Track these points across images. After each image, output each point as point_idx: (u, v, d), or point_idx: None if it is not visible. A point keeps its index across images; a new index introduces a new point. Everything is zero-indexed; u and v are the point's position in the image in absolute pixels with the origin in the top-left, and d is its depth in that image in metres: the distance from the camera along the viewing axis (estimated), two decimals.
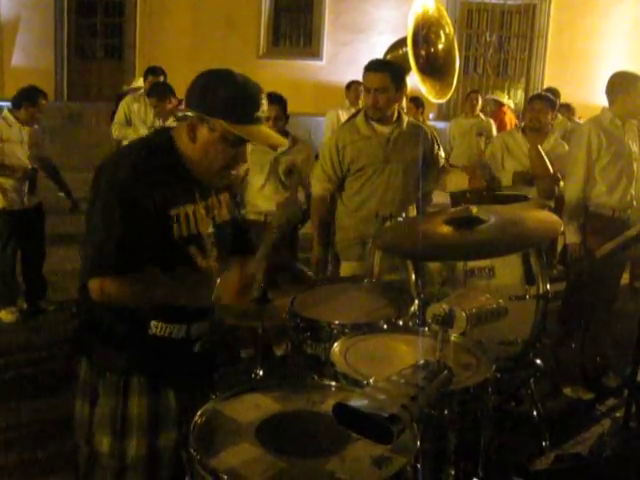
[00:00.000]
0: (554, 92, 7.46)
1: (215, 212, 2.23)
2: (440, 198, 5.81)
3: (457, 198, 4.90)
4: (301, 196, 4.96)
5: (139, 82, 7.43)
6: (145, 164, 2.05)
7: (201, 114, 2.02)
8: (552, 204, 4.69)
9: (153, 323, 2.13)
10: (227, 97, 2.00)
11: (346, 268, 3.99)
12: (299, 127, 9.97)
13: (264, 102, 2.07)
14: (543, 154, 4.18)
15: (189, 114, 2.04)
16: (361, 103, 7.56)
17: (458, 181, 3.95)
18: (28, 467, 3.42)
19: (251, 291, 2.06)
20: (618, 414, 3.78)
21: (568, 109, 7.47)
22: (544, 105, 4.65)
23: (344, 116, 7.55)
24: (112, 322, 2.13)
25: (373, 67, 3.79)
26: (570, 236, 4.29)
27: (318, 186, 3.98)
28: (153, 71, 6.89)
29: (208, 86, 2.03)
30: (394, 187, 3.80)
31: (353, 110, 7.48)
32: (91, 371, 2.17)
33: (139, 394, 2.13)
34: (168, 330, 2.15)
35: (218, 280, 2.00)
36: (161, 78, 6.73)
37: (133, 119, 6.60)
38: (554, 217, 3.01)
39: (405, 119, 3.89)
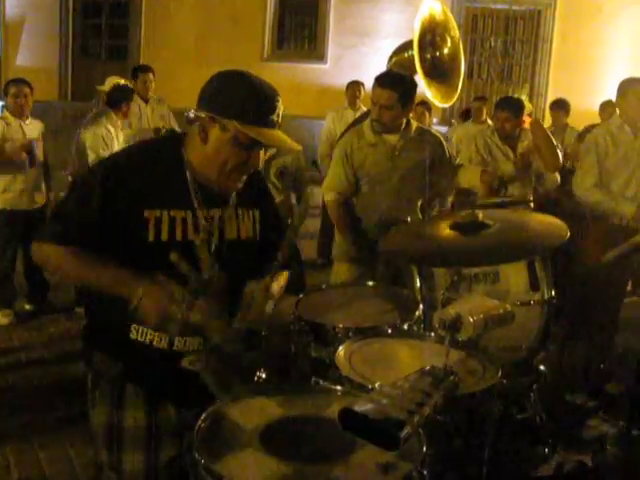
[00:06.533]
0: (563, 102, 7.43)
1: (227, 225, 2.10)
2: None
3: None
4: (293, 198, 4.95)
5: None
6: (139, 158, 2.04)
7: (213, 114, 1.96)
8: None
9: (133, 327, 2.04)
10: (241, 98, 1.95)
11: (339, 269, 3.96)
12: (302, 130, 9.97)
13: (279, 105, 2.02)
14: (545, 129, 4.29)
15: (201, 115, 1.99)
16: (358, 104, 7.57)
17: (471, 176, 3.93)
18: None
19: (175, 323, 1.86)
20: (621, 422, 3.75)
21: (563, 107, 7.39)
22: (508, 114, 4.64)
23: (338, 116, 7.57)
24: (103, 327, 2.09)
25: (382, 82, 3.67)
26: (625, 207, 4.21)
27: (330, 194, 3.91)
28: (143, 69, 6.81)
29: (222, 86, 1.99)
30: (402, 194, 3.77)
31: (350, 110, 7.52)
32: (90, 378, 2.13)
33: (135, 406, 2.07)
34: (148, 337, 2.05)
35: (141, 290, 1.84)
36: (150, 75, 6.67)
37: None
38: (560, 222, 2.99)
39: (413, 126, 3.83)
